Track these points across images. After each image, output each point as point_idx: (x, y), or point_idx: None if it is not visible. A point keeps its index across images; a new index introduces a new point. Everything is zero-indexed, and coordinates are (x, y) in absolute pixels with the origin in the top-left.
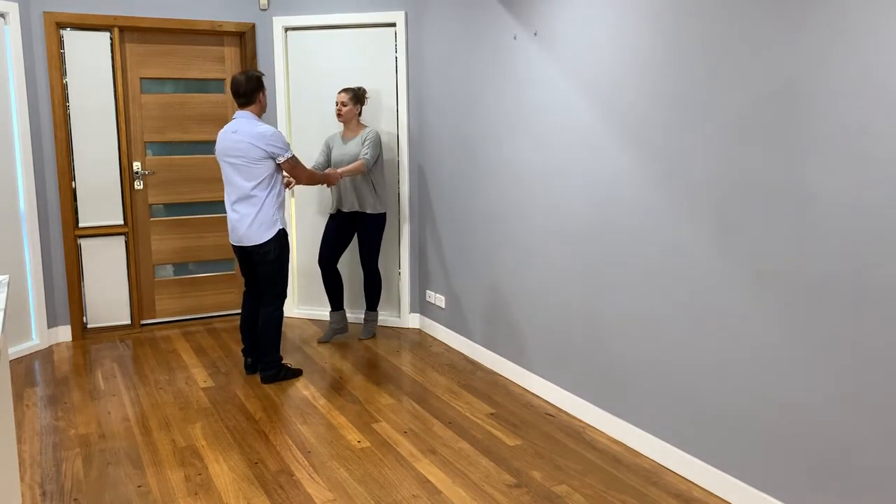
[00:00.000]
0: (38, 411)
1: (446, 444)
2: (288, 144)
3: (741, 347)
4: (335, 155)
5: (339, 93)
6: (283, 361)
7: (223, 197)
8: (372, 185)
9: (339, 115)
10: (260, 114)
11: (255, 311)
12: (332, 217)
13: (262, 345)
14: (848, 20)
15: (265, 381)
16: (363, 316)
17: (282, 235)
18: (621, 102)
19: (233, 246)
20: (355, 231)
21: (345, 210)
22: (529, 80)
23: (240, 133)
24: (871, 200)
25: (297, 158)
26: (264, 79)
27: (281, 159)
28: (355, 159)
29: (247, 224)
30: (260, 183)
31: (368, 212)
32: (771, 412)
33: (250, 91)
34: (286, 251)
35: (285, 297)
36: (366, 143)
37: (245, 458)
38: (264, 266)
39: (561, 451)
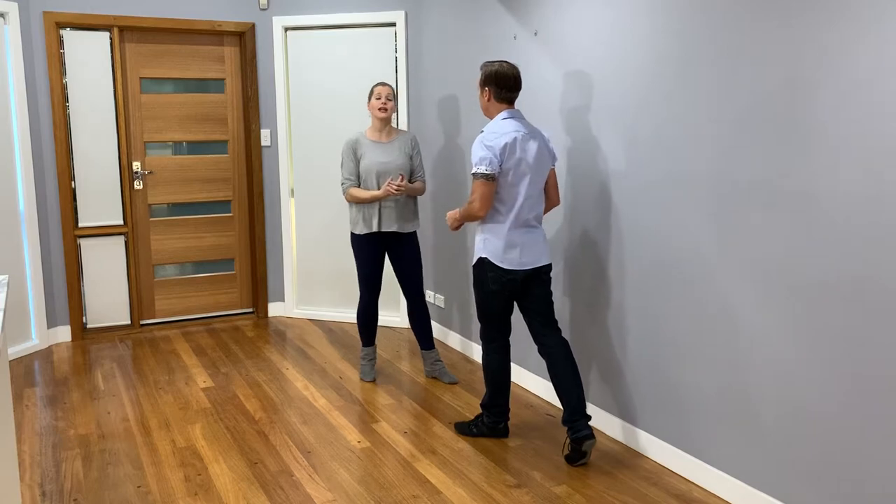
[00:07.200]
0: (38, 411)
1: (446, 444)
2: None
3: (743, 347)
4: (376, 162)
5: (384, 86)
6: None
7: (223, 197)
8: (414, 201)
9: (384, 110)
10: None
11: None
12: (368, 238)
13: (576, 393)
14: (849, 19)
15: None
16: (430, 357)
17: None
18: (622, 102)
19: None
20: (385, 254)
21: (383, 230)
22: (529, 80)
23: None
24: (875, 200)
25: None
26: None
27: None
28: (401, 168)
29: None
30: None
31: (408, 231)
32: (772, 412)
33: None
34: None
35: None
36: (416, 156)
37: (245, 458)
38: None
39: (561, 451)
